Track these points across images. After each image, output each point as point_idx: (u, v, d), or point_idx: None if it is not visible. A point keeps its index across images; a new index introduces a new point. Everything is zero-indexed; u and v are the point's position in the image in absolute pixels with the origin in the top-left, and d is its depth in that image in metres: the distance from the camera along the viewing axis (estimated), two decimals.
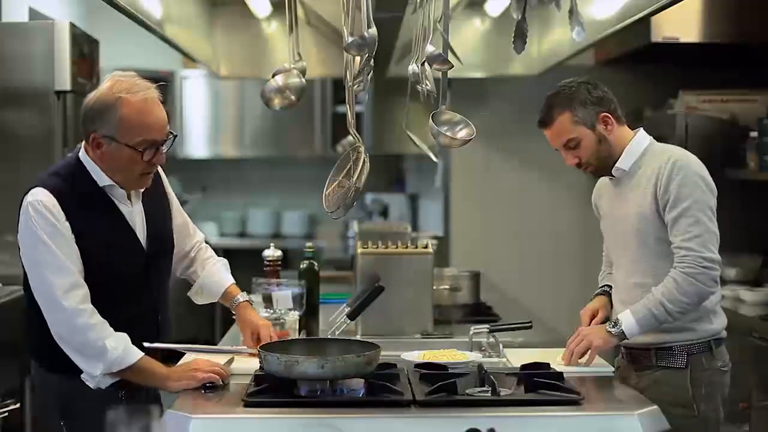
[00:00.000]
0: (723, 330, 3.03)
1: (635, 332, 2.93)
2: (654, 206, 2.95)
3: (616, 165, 3.06)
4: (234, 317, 3.21)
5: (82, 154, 2.83)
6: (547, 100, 3.07)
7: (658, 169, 2.96)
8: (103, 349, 2.69)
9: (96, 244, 2.77)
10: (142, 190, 2.88)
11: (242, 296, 3.16)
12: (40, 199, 2.73)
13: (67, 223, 2.72)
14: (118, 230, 2.84)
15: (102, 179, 2.80)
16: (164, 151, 2.78)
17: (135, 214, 2.87)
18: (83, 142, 2.84)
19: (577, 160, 3.06)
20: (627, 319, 2.93)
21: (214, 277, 3.18)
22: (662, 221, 2.95)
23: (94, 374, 2.71)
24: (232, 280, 3.20)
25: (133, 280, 2.87)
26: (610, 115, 3.03)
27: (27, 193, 2.77)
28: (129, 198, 2.86)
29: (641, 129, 3.11)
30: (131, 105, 2.69)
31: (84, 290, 2.73)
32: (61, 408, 2.82)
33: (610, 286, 3.21)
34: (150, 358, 2.77)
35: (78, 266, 2.74)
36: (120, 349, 2.71)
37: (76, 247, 2.74)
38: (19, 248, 2.81)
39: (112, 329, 2.72)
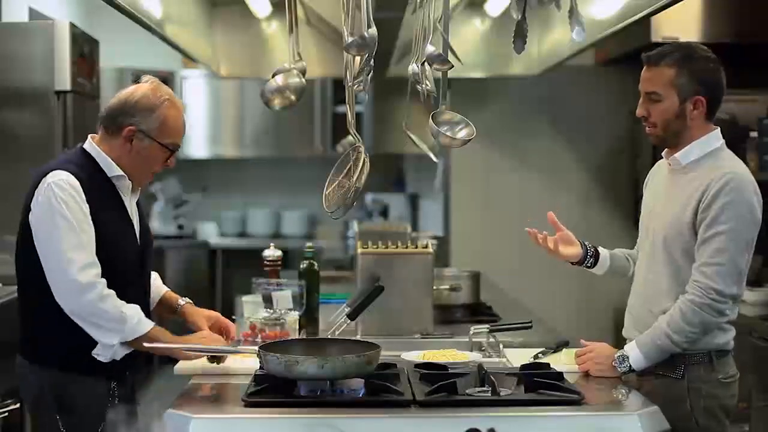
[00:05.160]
0: (728, 342, 2.92)
1: (643, 365, 2.87)
2: (692, 218, 2.84)
3: (675, 155, 2.94)
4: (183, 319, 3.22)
5: (88, 146, 2.94)
6: (671, 45, 2.96)
7: (709, 181, 2.82)
8: (122, 317, 2.80)
9: (103, 231, 2.86)
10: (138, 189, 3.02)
11: (183, 300, 3.21)
12: (64, 178, 2.83)
13: (87, 206, 2.83)
14: (122, 221, 2.95)
15: (112, 170, 2.92)
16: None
17: (132, 208, 3.00)
18: (96, 134, 2.96)
19: (646, 114, 2.94)
20: (634, 353, 2.86)
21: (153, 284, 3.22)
22: (695, 236, 2.84)
23: (111, 344, 2.81)
24: (166, 288, 3.27)
25: (129, 270, 2.94)
26: (705, 103, 2.90)
27: (45, 175, 2.84)
28: (131, 192, 2.98)
29: (718, 129, 2.96)
30: (173, 110, 2.94)
31: (98, 269, 2.82)
32: (56, 401, 2.86)
33: (596, 257, 3.17)
34: (161, 328, 2.89)
35: (93, 247, 2.82)
36: (136, 317, 2.83)
37: (93, 231, 2.83)
38: (18, 243, 2.88)
39: (123, 301, 2.83)
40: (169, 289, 3.26)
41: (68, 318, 2.82)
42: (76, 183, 2.82)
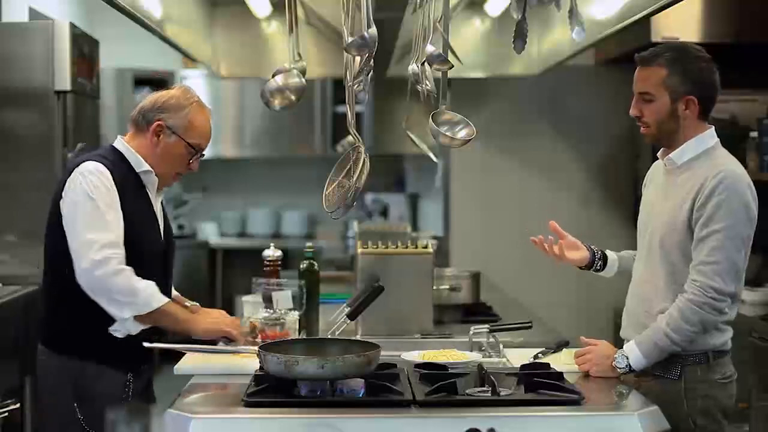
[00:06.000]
0: (726, 343, 2.92)
1: (643, 365, 2.87)
2: (688, 217, 2.84)
3: (670, 155, 2.95)
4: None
5: (118, 143, 3.09)
6: (663, 45, 2.97)
7: (703, 180, 2.83)
8: (134, 290, 2.91)
9: (129, 222, 2.98)
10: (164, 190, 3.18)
11: (189, 303, 3.29)
12: (95, 166, 2.97)
13: (116, 193, 2.95)
14: (147, 214, 3.08)
15: (140, 165, 3.06)
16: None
17: (158, 206, 3.13)
18: (125, 134, 3.10)
19: (639, 114, 2.94)
20: (634, 353, 2.86)
21: None
22: (691, 235, 2.85)
23: (124, 317, 2.92)
24: (176, 293, 3.36)
25: (153, 264, 3.06)
26: (696, 103, 2.90)
27: (77, 167, 2.99)
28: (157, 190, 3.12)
29: (712, 128, 2.96)
30: (201, 113, 3.12)
31: (119, 249, 2.92)
32: (75, 390, 2.96)
33: (605, 260, 3.19)
34: (175, 304, 3.03)
35: (119, 231, 2.94)
36: (149, 291, 2.94)
37: (121, 217, 2.96)
38: (47, 233, 3.01)
39: (139, 277, 2.93)
40: (178, 294, 3.34)
41: (89, 306, 2.93)
42: (106, 171, 2.96)
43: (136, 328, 2.96)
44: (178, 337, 3.11)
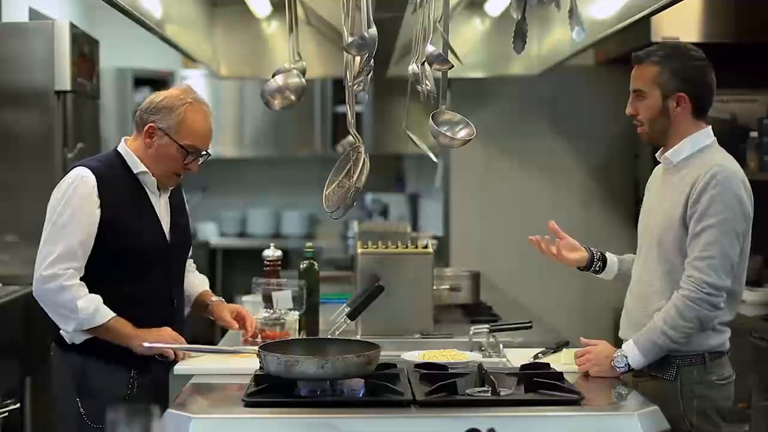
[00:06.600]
0: (723, 344, 2.91)
1: (642, 364, 2.87)
2: (682, 214, 2.85)
3: (665, 154, 2.96)
4: (212, 317, 3.33)
5: (120, 146, 3.11)
6: (658, 44, 2.99)
7: (697, 176, 2.83)
8: (75, 309, 2.93)
9: (122, 221, 3.00)
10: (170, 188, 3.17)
11: (215, 297, 3.35)
12: (82, 174, 2.99)
13: (98, 200, 2.97)
14: (145, 214, 3.08)
15: (137, 166, 3.07)
16: (199, 162, 3.12)
17: (161, 205, 3.14)
18: (129, 136, 3.13)
19: (633, 112, 2.96)
20: (632, 352, 2.85)
21: (194, 282, 3.38)
22: (686, 232, 2.84)
23: (67, 330, 2.98)
24: (205, 288, 3.40)
25: (154, 263, 3.08)
26: (687, 100, 2.90)
27: (68, 171, 3.04)
28: (158, 189, 3.11)
29: (709, 127, 2.96)
30: (195, 113, 3.07)
31: (73, 262, 2.94)
32: (77, 386, 3.01)
33: (604, 262, 3.19)
34: (121, 319, 2.98)
35: (84, 247, 2.96)
36: (91, 309, 2.94)
37: (94, 232, 2.97)
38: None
39: (87, 291, 2.96)
40: (207, 290, 3.37)
41: None
42: (91, 176, 2.98)
43: (79, 339, 2.99)
44: None
